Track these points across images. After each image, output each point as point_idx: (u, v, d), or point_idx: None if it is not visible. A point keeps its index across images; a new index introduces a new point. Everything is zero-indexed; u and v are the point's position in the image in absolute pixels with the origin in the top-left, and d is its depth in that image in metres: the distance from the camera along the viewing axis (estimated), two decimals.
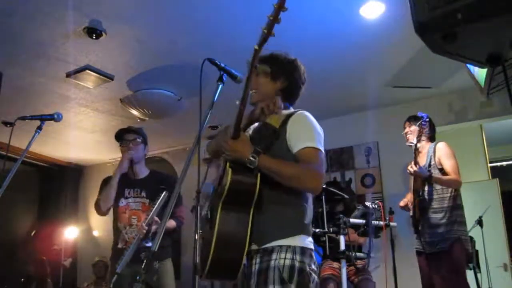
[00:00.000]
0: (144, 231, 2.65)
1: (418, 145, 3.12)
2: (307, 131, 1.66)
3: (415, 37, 1.31)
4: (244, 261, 1.53)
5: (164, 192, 2.70)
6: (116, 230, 2.92)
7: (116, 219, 2.94)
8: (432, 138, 3.27)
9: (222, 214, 1.53)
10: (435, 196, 3.03)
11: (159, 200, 2.68)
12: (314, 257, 1.61)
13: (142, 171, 3.04)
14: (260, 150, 1.57)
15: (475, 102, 4.18)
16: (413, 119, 3.31)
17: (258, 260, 1.56)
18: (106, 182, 2.98)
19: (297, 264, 1.52)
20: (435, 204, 3.02)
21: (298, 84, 1.83)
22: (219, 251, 1.49)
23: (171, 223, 2.89)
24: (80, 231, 6.36)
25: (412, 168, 3.02)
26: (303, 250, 1.57)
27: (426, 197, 3.05)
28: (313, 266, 1.58)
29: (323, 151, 1.65)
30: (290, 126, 1.66)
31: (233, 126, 1.60)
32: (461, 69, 3.50)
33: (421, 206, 3.05)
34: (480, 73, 3.19)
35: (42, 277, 5.45)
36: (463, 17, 1.16)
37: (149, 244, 2.66)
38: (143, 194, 2.94)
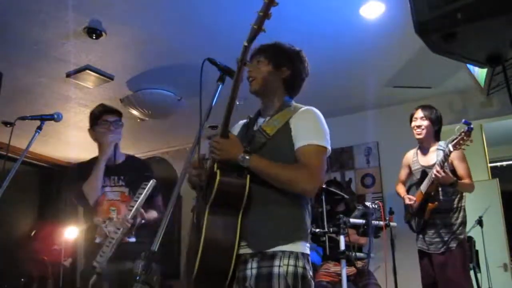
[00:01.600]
0: (129, 225, 2.35)
1: (452, 149, 2.77)
2: (313, 128, 1.59)
3: (415, 37, 1.31)
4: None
5: (151, 181, 2.42)
6: (91, 225, 2.51)
7: (90, 213, 2.54)
8: (439, 137, 3.15)
9: (209, 219, 1.47)
10: (446, 198, 2.98)
11: (145, 190, 2.40)
12: (310, 262, 1.57)
13: (119, 156, 2.69)
14: (250, 151, 1.53)
15: (475, 102, 4.18)
16: (428, 109, 3.09)
17: (255, 264, 1.47)
18: (78, 172, 2.63)
19: (300, 270, 1.47)
20: (445, 206, 2.98)
21: (302, 75, 1.75)
22: (207, 257, 1.43)
23: (153, 214, 2.57)
24: (80, 231, 6.35)
25: (439, 173, 2.79)
26: (304, 256, 1.52)
27: (441, 199, 2.98)
28: (311, 272, 1.54)
29: (329, 150, 1.58)
30: (295, 123, 1.60)
31: (222, 124, 1.55)
32: (461, 69, 3.50)
33: (434, 209, 2.98)
34: (480, 73, 3.20)
35: (42, 277, 5.45)
36: (463, 17, 1.16)
37: (132, 240, 2.45)
38: (121, 182, 2.59)
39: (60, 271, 5.61)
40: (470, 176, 2.96)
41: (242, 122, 1.84)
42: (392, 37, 3.20)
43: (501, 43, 1.29)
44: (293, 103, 1.74)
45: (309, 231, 1.60)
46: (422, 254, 3.10)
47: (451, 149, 2.75)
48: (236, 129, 1.82)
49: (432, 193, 2.98)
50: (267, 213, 1.52)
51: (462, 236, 2.93)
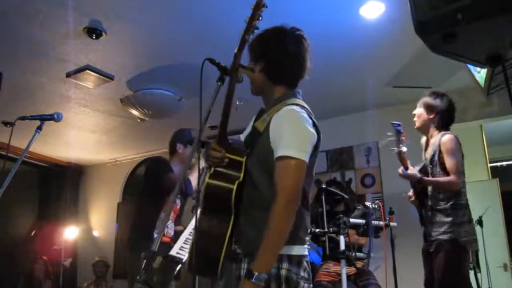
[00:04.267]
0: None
1: (404, 149, 2.77)
2: (287, 134, 1.45)
3: (415, 37, 1.31)
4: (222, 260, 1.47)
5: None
6: (163, 223, 2.74)
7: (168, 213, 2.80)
8: (443, 127, 2.90)
9: (203, 215, 1.52)
10: (435, 196, 2.89)
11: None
12: (305, 263, 1.50)
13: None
14: (249, 153, 1.52)
15: (475, 102, 4.18)
16: (429, 95, 2.97)
17: (245, 265, 1.47)
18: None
19: (283, 272, 1.42)
20: (435, 205, 2.89)
21: (278, 56, 1.55)
22: (199, 245, 1.50)
23: (180, 228, 3.16)
24: (80, 231, 6.35)
25: (400, 171, 2.77)
26: (291, 258, 1.46)
27: (428, 197, 2.87)
28: (302, 274, 1.47)
29: (305, 158, 1.43)
30: (273, 125, 1.49)
31: (219, 130, 1.55)
32: (461, 69, 3.50)
33: (424, 207, 2.93)
34: (480, 73, 3.20)
35: (42, 277, 5.45)
36: (463, 17, 1.16)
37: None
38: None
39: (60, 271, 5.62)
40: (456, 172, 2.71)
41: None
42: (392, 37, 3.20)
43: (501, 43, 1.29)
44: (293, 98, 1.58)
45: (304, 234, 1.54)
46: (424, 253, 3.02)
47: (396, 149, 2.78)
48: (251, 124, 1.76)
49: (423, 190, 2.89)
50: (255, 216, 1.49)
51: (447, 236, 2.71)
